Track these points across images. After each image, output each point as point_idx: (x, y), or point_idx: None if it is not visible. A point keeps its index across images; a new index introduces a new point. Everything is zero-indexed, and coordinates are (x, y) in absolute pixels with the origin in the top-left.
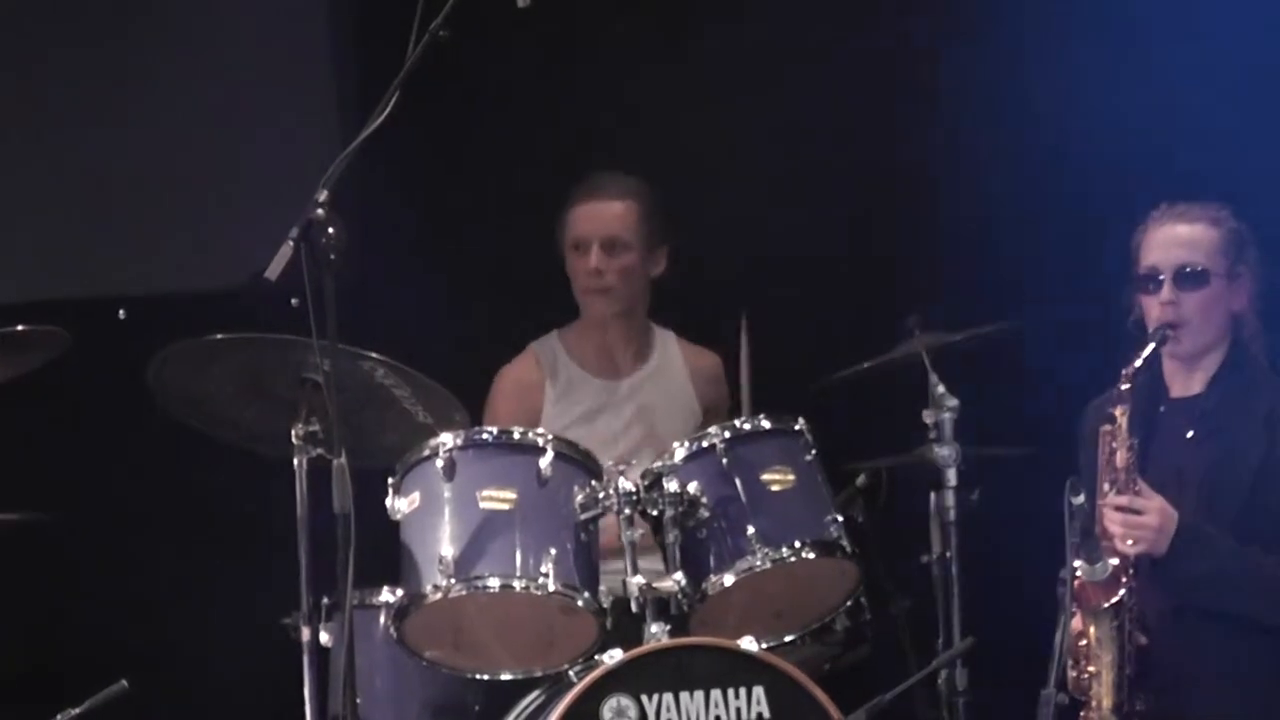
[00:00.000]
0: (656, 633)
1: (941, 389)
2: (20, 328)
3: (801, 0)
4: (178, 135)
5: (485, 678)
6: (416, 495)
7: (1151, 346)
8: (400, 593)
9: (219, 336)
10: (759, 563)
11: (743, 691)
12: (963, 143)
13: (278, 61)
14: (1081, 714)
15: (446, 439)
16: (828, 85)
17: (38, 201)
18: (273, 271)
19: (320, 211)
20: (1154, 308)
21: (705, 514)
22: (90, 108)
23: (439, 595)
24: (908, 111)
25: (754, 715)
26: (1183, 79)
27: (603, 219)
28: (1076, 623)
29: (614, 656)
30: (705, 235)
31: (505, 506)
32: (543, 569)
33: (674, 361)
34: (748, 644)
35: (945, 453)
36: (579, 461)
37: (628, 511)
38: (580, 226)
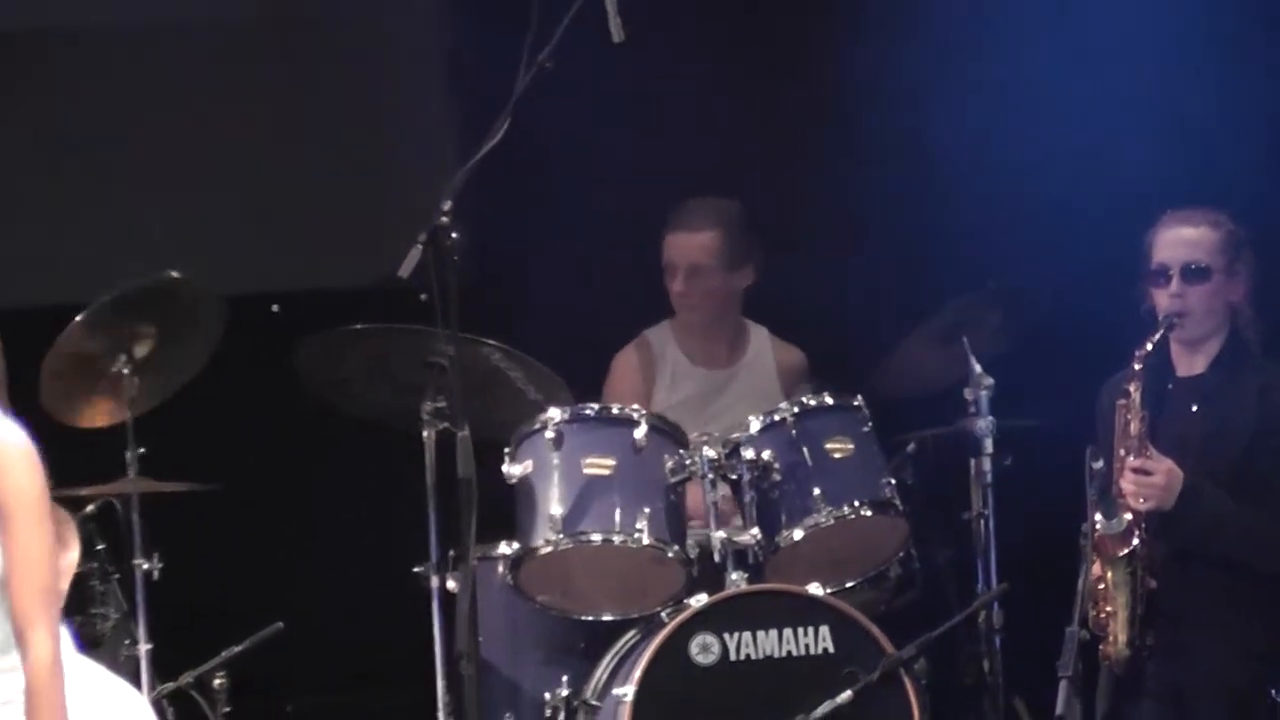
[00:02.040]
0: (736, 579)
1: (979, 368)
2: None
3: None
4: (324, 153)
5: (589, 619)
6: (529, 462)
7: (1160, 332)
8: (516, 546)
9: (358, 326)
10: (823, 519)
11: (810, 630)
12: (1008, 131)
13: (408, 89)
14: (1100, 647)
15: (554, 413)
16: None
17: (209, 208)
18: (405, 270)
19: (445, 218)
20: (1163, 299)
21: (777, 477)
22: (256, 129)
23: (549, 548)
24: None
25: (820, 650)
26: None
27: (688, 249)
28: (1096, 569)
29: (700, 600)
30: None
31: (605, 472)
32: (638, 525)
33: (765, 356)
34: (814, 589)
35: (982, 424)
36: (669, 433)
37: (711, 476)
38: (669, 253)
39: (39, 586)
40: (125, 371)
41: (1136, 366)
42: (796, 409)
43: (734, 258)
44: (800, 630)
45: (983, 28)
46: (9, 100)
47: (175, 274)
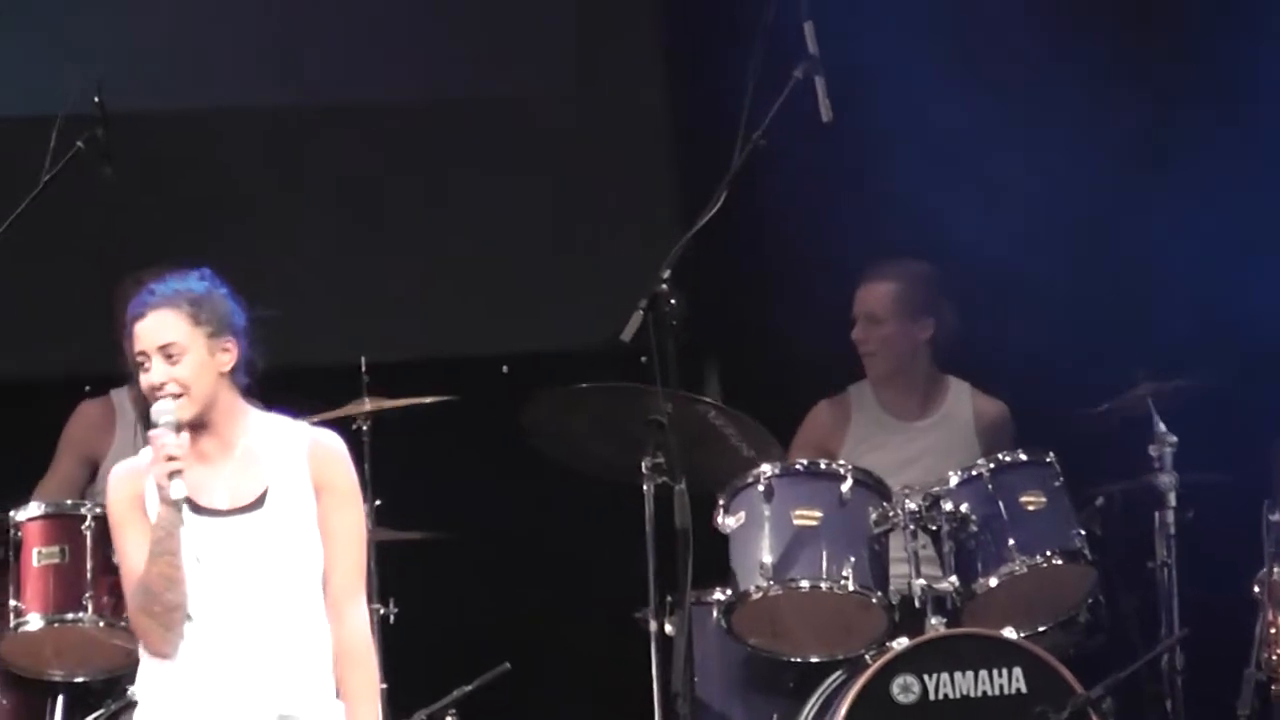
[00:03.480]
0: (935, 624)
1: (1163, 427)
2: (427, 400)
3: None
4: (554, 223)
5: (797, 660)
6: (742, 514)
7: None
8: (729, 592)
9: (583, 386)
10: (1018, 567)
11: (1004, 671)
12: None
13: (632, 166)
14: (1274, 689)
15: (766, 468)
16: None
17: (445, 275)
18: (627, 334)
19: (664, 285)
20: None
21: (974, 528)
22: (489, 200)
23: (760, 594)
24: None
25: (1014, 690)
26: None
27: (867, 298)
28: (1270, 616)
29: (901, 643)
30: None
31: (813, 523)
32: (844, 573)
33: (963, 409)
34: (1008, 633)
35: (1166, 479)
36: (873, 486)
37: (912, 526)
38: (855, 306)
39: (359, 564)
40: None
41: None
42: (993, 465)
43: (912, 308)
44: (995, 671)
45: None
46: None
47: None
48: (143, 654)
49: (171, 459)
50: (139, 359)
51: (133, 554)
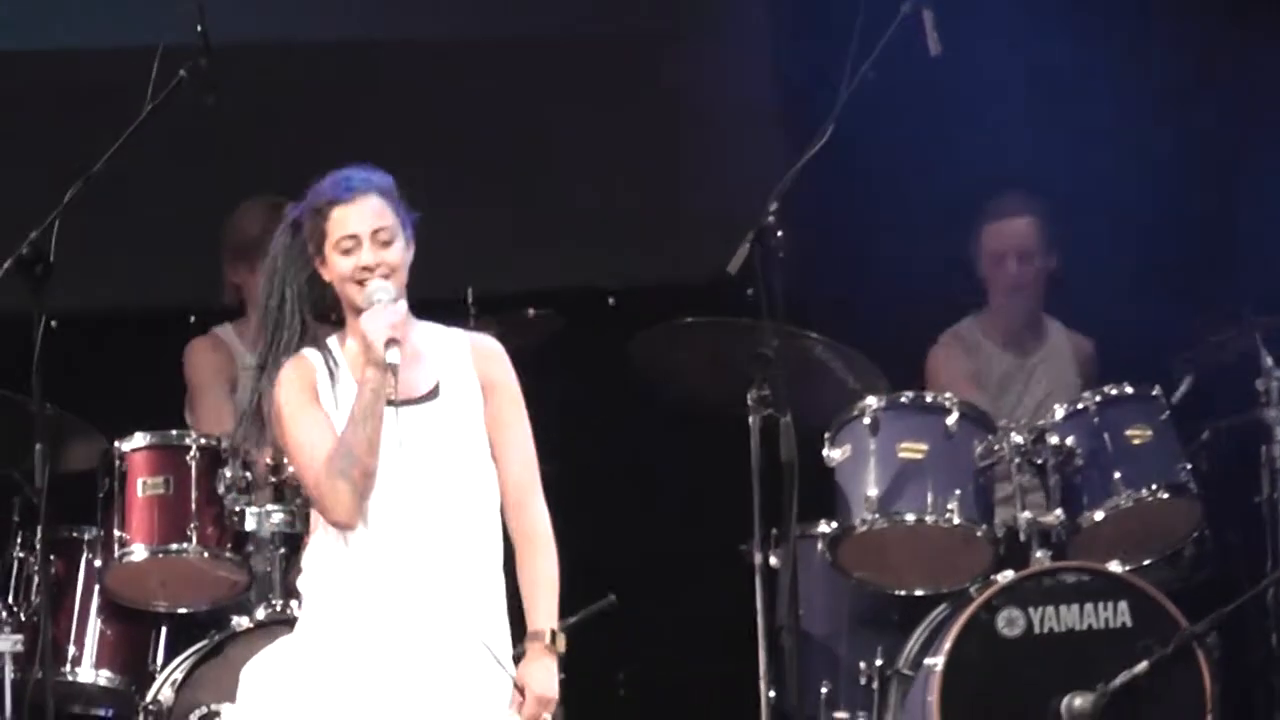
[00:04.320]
0: (1040, 557)
1: (1270, 361)
2: (530, 311)
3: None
4: (661, 158)
5: (902, 593)
6: (848, 447)
7: None
8: (834, 525)
9: (689, 320)
10: (1123, 501)
11: (1110, 605)
12: None
13: (738, 100)
14: None
15: (872, 401)
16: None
17: (554, 208)
18: (733, 267)
19: (771, 219)
20: None
21: (1080, 462)
22: (600, 135)
23: (866, 527)
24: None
25: (1119, 624)
26: None
27: (1013, 234)
28: None
29: (1006, 576)
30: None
31: (919, 456)
32: (949, 506)
33: (1062, 344)
34: (1114, 567)
35: (1273, 414)
36: (978, 419)
37: (1018, 460)
38: (993, 242)
39: (534, 458)
40: None
41: None
42: (1099, 398)
43: (1048, 242)
44: (1100, 605)
45: None
46: (347, 106)
47: None
48: (319, 533)
49: (393, 326)
50: (345, 242)
51: (314, 432)
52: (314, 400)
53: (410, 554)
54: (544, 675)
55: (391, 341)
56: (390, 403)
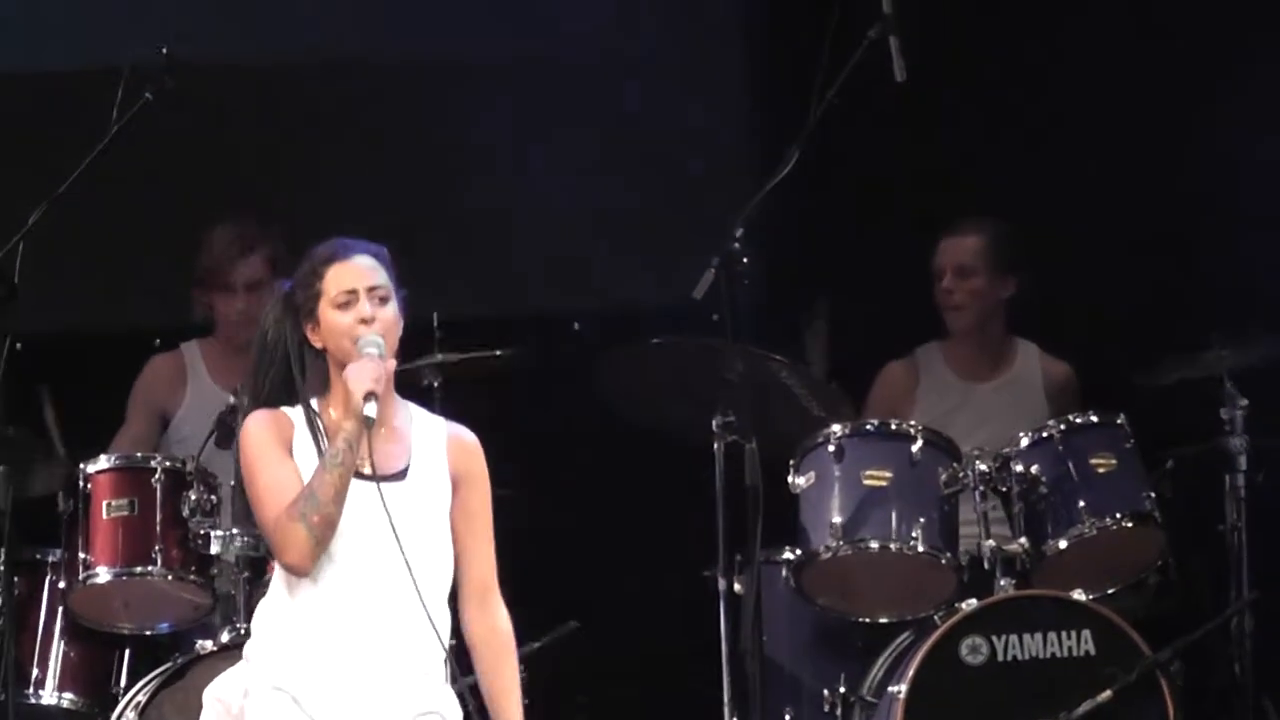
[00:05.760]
0: (1004, 585)
1: (1234, 389)
2: (498, 353)
3: None
4: (626, 181)
5: (866, 620)
6: (812, 474)
7: None
8: (798, 551)
9: (655, 342)
10: (1087, 530)
11: (1073, 633)
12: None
13: (708, 132)
14: None
15: (836, 428)
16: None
17: (511, 233)
18: (698, 292)
19: (736, 244)
20: None
21: (1044, 490)
22: (564, 157)
23: (830, 554)
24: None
25: (1083, 652)
26: None
27: (955, 250)
28: None
29: (970, 604)
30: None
31: (883, 483)
32: (913, 533)
33: (1031, 370)
34: (1078, 595)
35: (1237, 442)
36: (943, 447)
37: (981, 488)
38: (938, 258)
39: (494, 557)
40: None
41: None
42: (1063, 426)
43: (998, 262)
44: (1064, 634)
45: None
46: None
47: None
48: (276, 582)
49: (376, 380)
50: (342, 297)
51: (281, 473)
52: (284, 449)
53: (361, 625)
54: None
55: (370, 395)
56: (368, 476)
